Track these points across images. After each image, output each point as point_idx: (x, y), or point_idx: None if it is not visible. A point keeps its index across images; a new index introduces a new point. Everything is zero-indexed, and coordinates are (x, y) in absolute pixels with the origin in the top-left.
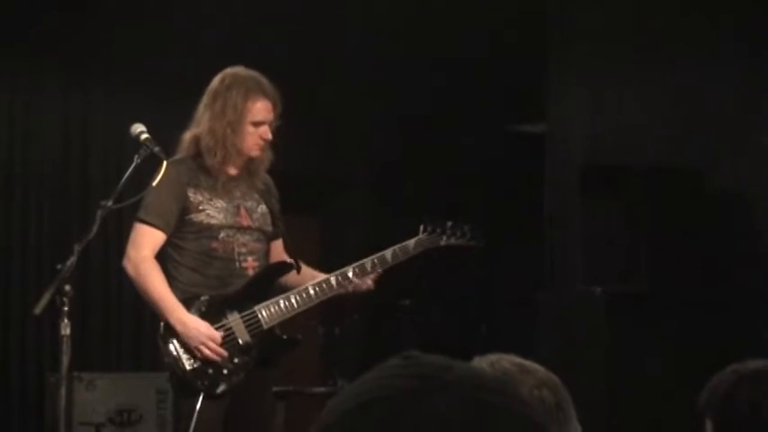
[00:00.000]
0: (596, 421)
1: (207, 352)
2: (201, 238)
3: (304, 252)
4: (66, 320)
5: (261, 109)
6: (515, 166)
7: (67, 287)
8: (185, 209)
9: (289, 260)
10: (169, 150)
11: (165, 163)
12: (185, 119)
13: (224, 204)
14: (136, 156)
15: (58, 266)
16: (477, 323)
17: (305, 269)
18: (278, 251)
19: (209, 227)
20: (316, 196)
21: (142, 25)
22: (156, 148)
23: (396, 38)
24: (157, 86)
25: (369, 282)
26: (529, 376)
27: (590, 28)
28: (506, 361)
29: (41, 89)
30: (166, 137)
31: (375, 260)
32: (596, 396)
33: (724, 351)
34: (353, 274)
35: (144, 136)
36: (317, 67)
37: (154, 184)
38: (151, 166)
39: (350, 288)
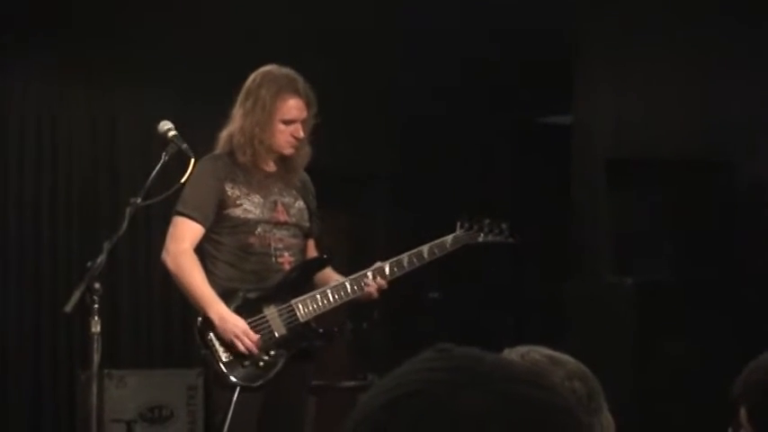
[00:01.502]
0: (627, 411)
1: (242, 346)
2: (239, 232)
3: (335, 248)
4: (96, 318)
5: (292, 107)
6: (542, 158)
7: (97, 285)
8: (222, 203)
9: (325, 255)
10: (196, 148)
11: (192, 160)
12: (212, 116)
13: (261, 199)
14: (164, 153)
15: (88, 264)
16: (506, 316)
17: (329, 272)
18: (311, 248)
19: (246, 221)
20: (344, 192)
21: (169, 23)
22: (184, 146)
23: (420, 34)
24: (185, 84)
25: (382, 282)
26: (559, 368)
27: (616, 21)
28: (536, 353)
29: (68, 87)
30: (194, 134)
31: (412, 255)
32: (626, 386)
33: (751, 340)
34: (390, 270)
35: (172, 133)
36: (342, 64)
37: (183, 180)
38: (179, 163)
39: (371, 291)
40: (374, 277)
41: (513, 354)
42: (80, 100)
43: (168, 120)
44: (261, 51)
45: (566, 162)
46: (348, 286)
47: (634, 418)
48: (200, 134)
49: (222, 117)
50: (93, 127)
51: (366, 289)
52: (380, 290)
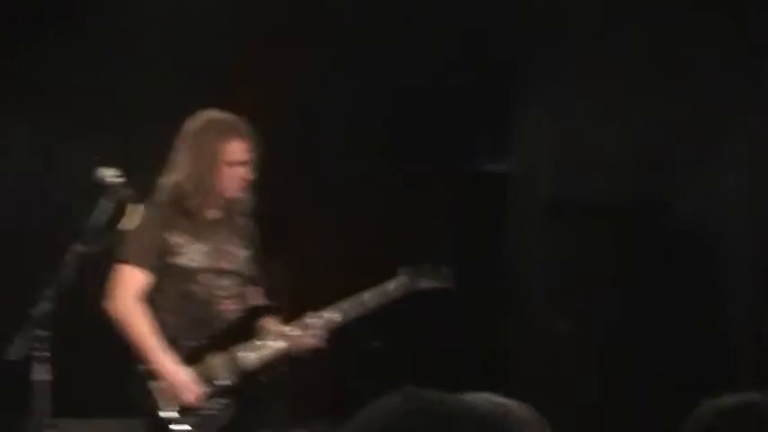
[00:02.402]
0: None
1: (186, 396)
2: (180, 281)
3: (273, 294)
4: (39, 365)
5: (238, 149)
6: (477, 207)
7: (41, 332)
8: (164, 252)
9: (267, 303)
10: (139, 192)
11: (138, 206)
12: (152, 161)
13: (204, 247)
14: (103, 198)
15: (29, 311)
16: (447, 361)
17: (268, 319)
18: (258, 296)
19: (188, 269)
20: (280, 237)
21: (108, 63)
22: (125, 192)
23: (358, 74)
24: (125, 124)
25: (311, 340)
26: (509, 413)
27: (555, 66)
28: (483, 399)
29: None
30: (137, 177)
31: (354, 302)
32: (569, 426)
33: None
34: (331, 315)
35: (112, 179)
36: (283, 106)
37: (131, 226)
38: (121, 209)
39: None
40: (321, 323)
41: None
42: (16, 141)
43: (107, 165)
44: (198, 91)
45: (504, 208)
46: (291, 334)
47: None
48: (139, 179)
49: (161, 162)
50: (31, 168)
51: (306, 339)
52: (321, 337)
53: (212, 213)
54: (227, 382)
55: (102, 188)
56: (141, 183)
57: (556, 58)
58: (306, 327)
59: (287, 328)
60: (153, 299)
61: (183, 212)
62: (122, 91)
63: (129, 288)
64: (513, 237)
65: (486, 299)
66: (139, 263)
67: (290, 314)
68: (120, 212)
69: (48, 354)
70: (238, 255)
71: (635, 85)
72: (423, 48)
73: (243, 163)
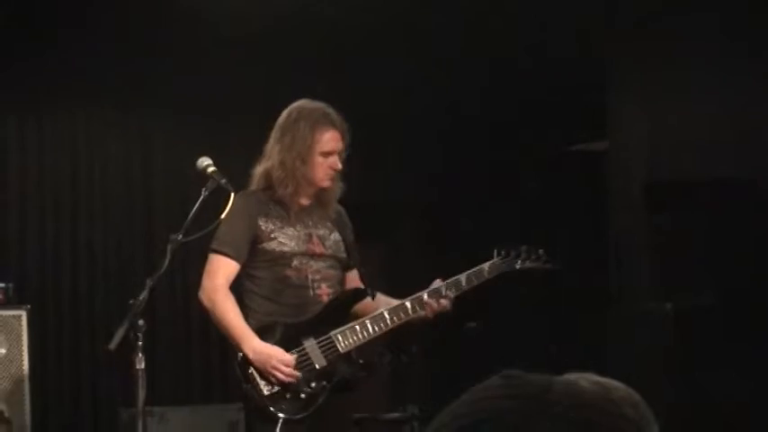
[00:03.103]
0: None
1: (281, 376)
2: (275, 266)
3: (371, 279)
4: (140, 355)
5: (329, 139)
6: (578, 185)
7: (141, 322)
8: (257, 237)
9: (363, 287)
10: (235, 181)
11: (232, 194)
12: (246, 151)
13: (295, 232)
14: (203, 189)
15: (131, 301)
16: (547, 344)
17: (379, 297)
18: (354, 281)
19: (282, 254)
20: (376, 223)
21: (202, 55)
22: (223, 180)
23: (453, 64)
24: (218, 118)
25: (445, 303)
26: (611, 394)
27: (647, 44)
28: (586, 380)
29: (104, 125)
30: (230, 168)
31: (450, 284)
32: (670, 412)
33: None
34: (428, 298)
35: (211, 169)
36: (373, 94)
37: (223, 215)
38: (218, 198)
39: (427, 313)
40: (413, 306)
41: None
42: (114, 138)
43: (206, 155)
44: (288, 87)
45: (602, 188)
46: (387, 317)
47: None
48: (235, 168)
49: (256, 153)
50: (128, 164)
51: (406, 318)
52: (424, 317)
53: (303, 200)
54: (324, 365)
55: (201, 178)
56: (240, 174)
57: (649, 41)
58: (403, 308)
59: (383, 310)
60: (249, 286)
61: (274, 200)
62: (217, 83)
63: (218, 276)
64: (610, 217)
65: (586, 279)
66: (228, 251)
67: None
68: (222, 202)
69: (141, 343)
70: (330, 238)
71: (728, 62)
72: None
73: (334, 153)
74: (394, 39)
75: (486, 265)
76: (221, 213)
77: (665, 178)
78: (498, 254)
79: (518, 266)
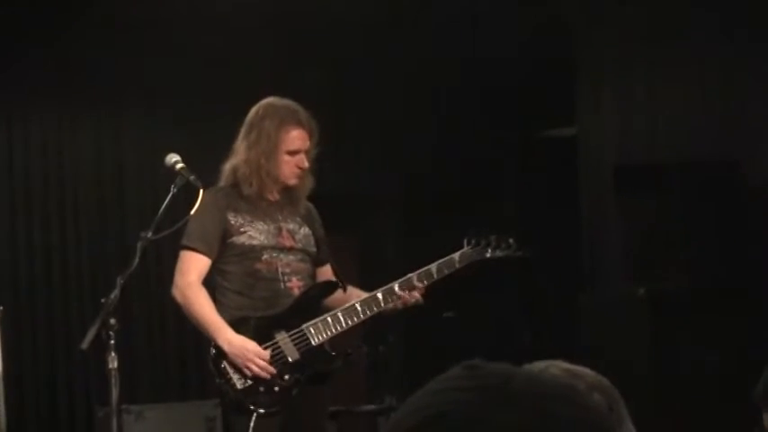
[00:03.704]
0: (645, 421)
1: (255, 369)
2: (245, 259)
3: (343, 271)
4: (113, 354)
5: (295, 138)
6: (547, 171)
7: (113, 320)
8: (226, 232)
9: (333, 279)
10: (204, 178)
11: (201, 191)
12: (216, 146)
13: (265, 226)
14: (172, 186)
15: (102, 300)
16: (521, 331)
17: (351, 289)
18: (325, 275)
19: (252, 248)
20: (349, 215)
21: (171, 53)
22: (192, 177)
23: (421, 48)
24: (188, 115)
25: (417, 295)
26: (579, 381)
27: (615, 27)
28: (555, 367)
29: (74, 124)
30: (199, 165)
31: (421, 274)
32: (643, 395)
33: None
34: (399, 289)
35: (179, 165)
36: (344, 83)
37: (193, 212)
38: (187, 195)
39: (398, 304)
40: (384, 297)
41: (533, 369)
42: (85, 135)
43: (175, 153)
44: (264, 78)
45: (572, 174)
46: (359, 308)
47: (654, 426)
48: (204, 165)
49: (226, 149)
50: (98, 161)
51: (378, 310)
52: (407, 306)
53: (271, 196)
54: (297, 358)
55: (171, 175)
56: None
57: (622, 24)
58: (374, 299)
59: (355, 302)
60: (220, 281)
61: (242, 197)
62: (188, 79)
63: (190, 272)
64: (582, 200)
65: (558, 266)
66: (199, 247)
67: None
68: (192, 198)
69: (113, 342)
70: (300, 232)
71: (702, 46)
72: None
73: (300, 152)
74: (368, 34)
75: (456, 255)
76: (191, 210)
77: (636, 162)
78: (468, 243)
79: (488, 255)
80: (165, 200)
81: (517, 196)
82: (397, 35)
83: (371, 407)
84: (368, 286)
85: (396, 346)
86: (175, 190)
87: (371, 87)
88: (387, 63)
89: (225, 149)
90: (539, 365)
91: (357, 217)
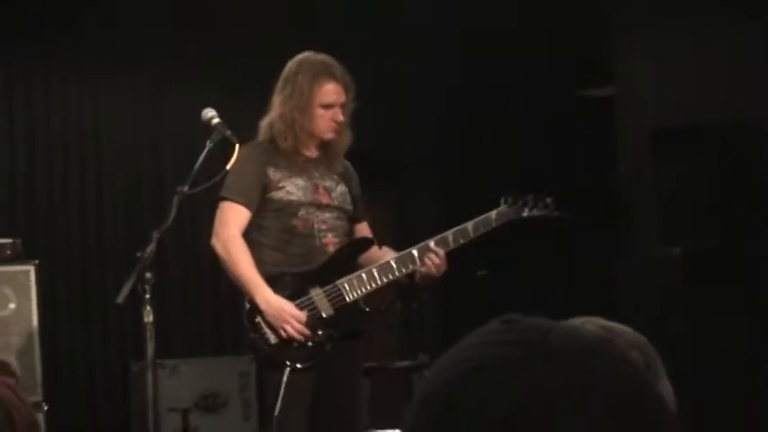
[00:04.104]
0: (682, 380)
1: (291, 331)
2: (282, 215)
3: (377, 229)
4: (148, 308)
5: (330, 91)
6: (585, 131)
7: (148, 274)
8: (265, 186)
9: (369, 236)
10: (240, 134)
11: (237, 146)
12: (254, 103)
13: (302, 182)
14: (208, 141)
15: (138, 254)
16: (556, 291)
17: (385, 248)
18: (362, 232)
19: (289, 203)
20: (386, 173)
21: (208, 13)
22: (228, 132)
23: (455, 10)
24: (227, 72)
25: (438, 261)
26: (617, 337)
27: None
28: (592, 324)
29: (110, 78)
30: (237, 121)
31: (457, 232)
32: (679, 356)
33: None
34: (435, 245)
35: (215, 120)
36: (378, 42)
37: (230, 165)
38: (223, 150)
39: (430, 268)
40: (420, 254)
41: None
42: (121, 90)
43: (211, 107)
44: (297, 38)
45: (610, 134)
46: (394, 265)
47: (688, 389)
48: (242, 122)
49: (264, 105)
50: (135, 115)
51: (413, 268)
52: (438, 267)
53: (308, 152)
54: (331, 314)
55: (207, 130)
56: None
57: None
58: (410, 257)
59: (390, 258)
60: (257, 236)
61: (280, 152)
62: (225, 33)
63: (231, 224)
64: (620, 161)
65: (594, 226)
66: (240, 199)
67: (393, 247)
68: (228, 153)
69: (148, 296)
70: (336, 190)
71: (742, 5)
72: None
73: (335, 105)
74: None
75: (493, 213)
76: (227, 165)
77: (673, 123)
78: (505, 201)
79: (525, 214)
80: (200, 154)
81: (555, 157)
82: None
83: (405, 363)
84: (403, 244)
85: (429, 303)
86: (211, 145)
87: (407, 51)
88: (421, 20)
89: (262, 105)
90: (576, 321)
91: (392, 175)
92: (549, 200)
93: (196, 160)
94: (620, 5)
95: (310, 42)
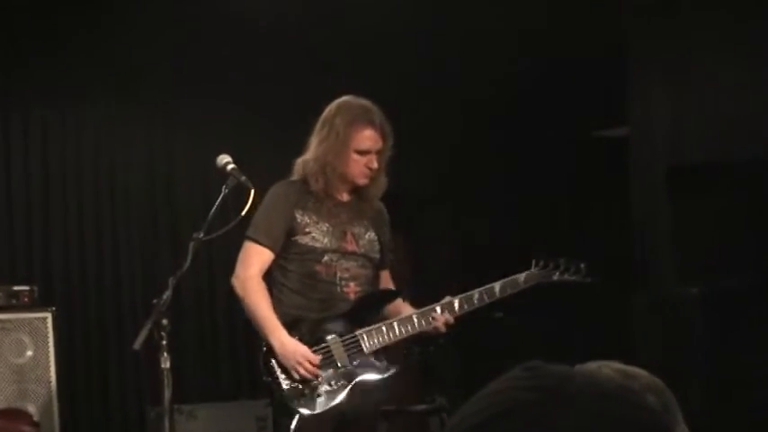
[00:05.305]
0: (698, 423)
1: (303, 372)
2: (305, 260)
3: (396, 270)
4: (165, 354)
5: (366, 137)
6: (600, 172)
7: (165, 321)
8: (292, 230)
9: (393, 288)
10: (255, 179)
11: (252, 191)
12: (270, 146)
13: (330, 228)
14: (224, 186)
15: (154, 301)
16: (573, 332)
17: (407, 303)
18: (385, 280)
19: (314, 249)
20: (406, 214)
21: (225, 56)
22: (243, 178)
23: (472, 49)
24: (240, 115)
25: (449, 319)
26: (633, 382)
27: (667, 27)
28: (608, 368)
29: (125, 125)
30: (252, 165)
31: (483, 292)
32: (697, 397)
33: None
34: (459, 306)
35: (230, 166)
36: (396, 83)
37: (243, 212)
38: (238, 196)
39: (441, 324)
40: (442, 312)
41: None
42: (137, 135)
43: (225, 153)
44: (312, 81)
45: (624, 174)
46: (415, 320)
47: (707, 428)
48: (257, 165)
49: (280, 148)
50: (150, 161)
51: (434, 324)
52: (448, 324)
53: (339, 195)
54: (346, 363)
55: (222, 176)
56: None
57: (669, 24)
58: (432, 312)
59: (412, 313)
60: (279, 277)
61: (311, 193)
62: (242, 79)
63: (253, 265)
64: (633, 201)
65: (611, 267)
66: (264, 241)
67: (411, 292)
68: (242, 199)
69: (165, 342)
70: (365, 237)
71: (756, 44)
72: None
73: (371, 152)
74: (409, 34)
75: (522, 276)
76: (242, 211)
77: (689, 162)
78: (536, 264)
79: (556, 278)
80: (216, 201)
81: (570, 197)
82: (441, 33)
83: (422, 407)
84: (421, 289)
85: (446, 346)
86: (227, 191)
87: (420, 87)
88: (438, 58)
89: (277, 150)
90: (592, 366)
91: (412, 216)
92: (582, 265)
93: (211, 206)
94: (636, 42)
95: (325, 85)
